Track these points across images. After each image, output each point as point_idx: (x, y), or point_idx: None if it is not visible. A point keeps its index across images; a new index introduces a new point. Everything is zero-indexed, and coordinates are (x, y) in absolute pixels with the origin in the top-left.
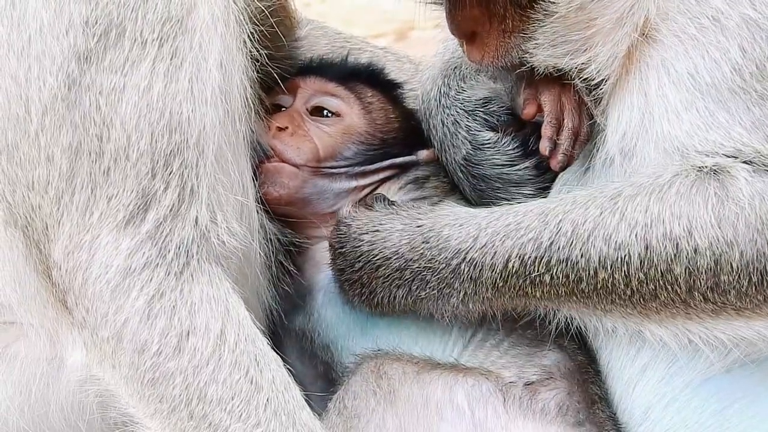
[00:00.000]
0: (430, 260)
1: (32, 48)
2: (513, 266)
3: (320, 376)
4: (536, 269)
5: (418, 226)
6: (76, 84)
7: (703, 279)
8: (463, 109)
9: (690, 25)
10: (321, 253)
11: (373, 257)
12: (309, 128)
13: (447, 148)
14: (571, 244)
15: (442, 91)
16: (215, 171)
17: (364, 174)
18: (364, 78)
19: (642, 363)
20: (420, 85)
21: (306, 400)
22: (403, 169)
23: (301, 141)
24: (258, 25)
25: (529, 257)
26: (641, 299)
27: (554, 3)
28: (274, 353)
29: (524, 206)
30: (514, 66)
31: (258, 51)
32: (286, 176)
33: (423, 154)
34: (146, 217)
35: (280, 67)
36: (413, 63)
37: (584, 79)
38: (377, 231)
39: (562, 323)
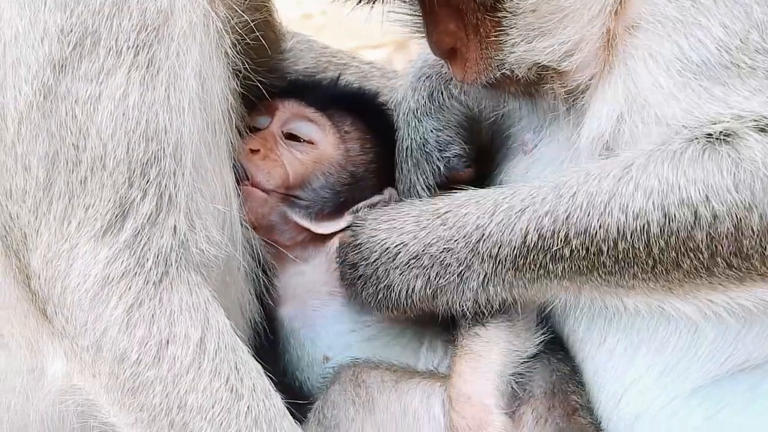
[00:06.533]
0: (448, 241)
1: (7, 56)
2: (531, 240)
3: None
4: (555, 243)
5: (434, 210)
6: (51, 93)
7: (724, 244)
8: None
9: (669, 6)
10: (283, 287)
11: (391, 243)
12: (281, 153)
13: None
14: (588, 215)
15: (432, 99)
16: (194, 180)
17: (323, 217)
18: (347, 104)
19: (631, 378)
20: (401, 92)
21: (288, 408)
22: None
23: (272, 165)
24: (241, 36)
25: (547, 230)
26: (664, 270)
27: None
28: (255, 361)
29: (538, 181)
30: (498, 82)
31: (241, 61)
32: (255, 201)
33: (389, 191)
34: (124, 226)
35: (265, 81)
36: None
37: (564, 79)
38: (393, 219)
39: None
